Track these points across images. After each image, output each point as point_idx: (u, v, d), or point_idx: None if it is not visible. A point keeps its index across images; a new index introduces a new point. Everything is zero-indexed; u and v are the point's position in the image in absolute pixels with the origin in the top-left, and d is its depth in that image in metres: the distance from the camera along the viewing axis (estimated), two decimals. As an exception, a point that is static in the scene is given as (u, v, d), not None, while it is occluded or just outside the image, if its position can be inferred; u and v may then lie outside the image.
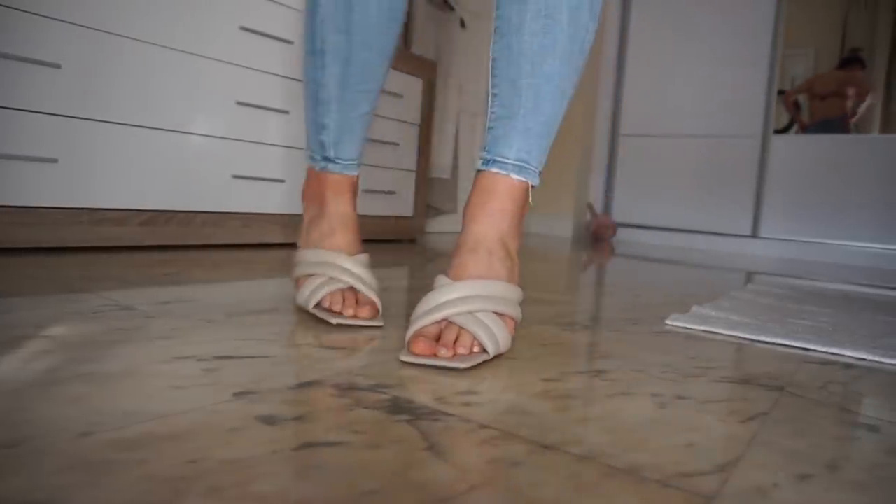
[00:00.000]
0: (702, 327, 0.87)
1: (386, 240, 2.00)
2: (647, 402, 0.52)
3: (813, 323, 0.97)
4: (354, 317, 0.73)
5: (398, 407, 0.46)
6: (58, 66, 1.11)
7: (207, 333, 0.63)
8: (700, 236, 3.15)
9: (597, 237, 3.27)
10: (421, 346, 0.60)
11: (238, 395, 0.46)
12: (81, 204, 1.18)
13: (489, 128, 0.71)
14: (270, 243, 1.58)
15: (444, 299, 0.62)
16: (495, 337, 0.61)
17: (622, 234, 3.37)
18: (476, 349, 0.61)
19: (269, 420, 0.41)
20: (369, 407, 0.45)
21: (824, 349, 0.78)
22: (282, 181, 1.56)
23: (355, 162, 0.83)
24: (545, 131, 0.71)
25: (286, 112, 1.55)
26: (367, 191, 1.87)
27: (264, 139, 1.51)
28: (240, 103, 1.44)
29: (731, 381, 0.61)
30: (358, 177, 0.85)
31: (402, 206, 2.03)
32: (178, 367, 0.51)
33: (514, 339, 0.67)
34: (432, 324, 0.62)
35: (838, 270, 2.33)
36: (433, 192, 2.43)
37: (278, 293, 0.90)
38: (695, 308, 1.01)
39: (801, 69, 3.14)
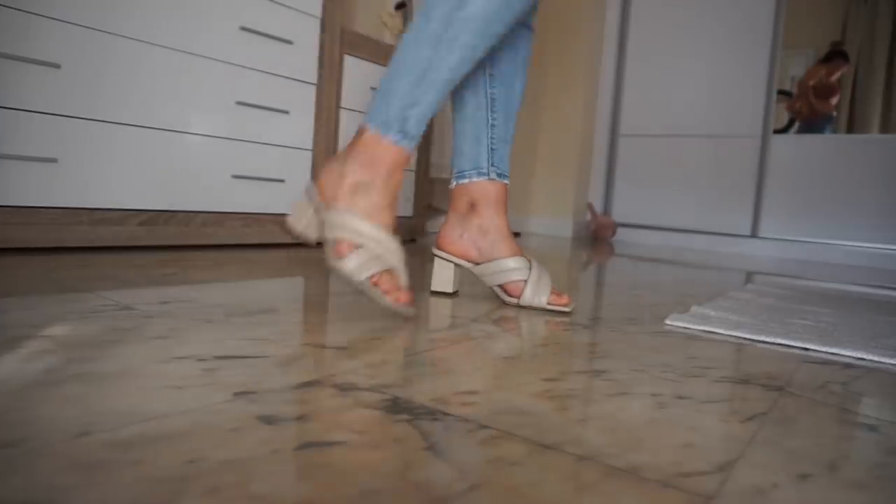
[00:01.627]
0: (701, 327, 0.87)
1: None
2: (646, 402, 0.52)
3: (813, 323, 0.97)
4: (397, 300, 0.76)
5: (398, 407, 0.46)
6: (58, 66, 1.11)
7: (207, 333, 0.63)
8: (700, 236, 3.15)
9: (597, 237, 3.27)
10: (566, 299, 0.93)
11: (238, 395, 0.46)
12: (81, 204, 1.18)
13: (493, 149, 0.97)
14: (270, 243, 1.58)
15: (541, 272, 0.94)
16: None
17: (622, 234, 3.37)
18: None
19: (269, 420, 0.41)
20: (369, 407, 0.45)
21: (824, 349, 0.78)
22: (282, 181, 1.56)
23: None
24: None
25: (286, 112, 1.55)
26: (366, 191, 1.86)
27: (264, 139, 1.51)
28: (240, 103, 1.44)
29: (730, 381, 0.61)
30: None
31: (402, 206, 2.03)
32: (177, 366, 0.51)
33: (515, 339, 0.70)
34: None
35: (838, 270, 2.33)
36: (433, 192, 2.43)
37: (278, 293, 0.90)
38: (694, 308, 1.01)
39: (801, 69, 3.14)
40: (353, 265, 0.74)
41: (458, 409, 0.47)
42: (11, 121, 1.07)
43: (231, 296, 0.85)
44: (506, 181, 0.98)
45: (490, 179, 0.97)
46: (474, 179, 0.97)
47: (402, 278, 0.78)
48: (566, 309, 0.91)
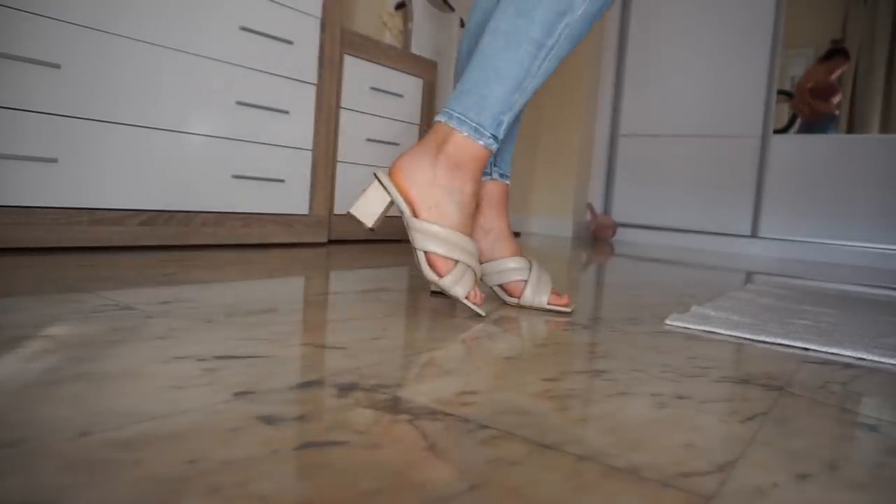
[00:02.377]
0: (701, 327, 0.87)
1: (386, 240, 2.00)
2: (646, 402, 0.52)
3: (813, 323, 0.97)
4: (477, 303, 0.82)
5: (398, 407, 0.46)
6: (58, 66, 1.11)
7: (207, 333, 0.63)
8: (700, 236, 3.15)
9: (597, 237, 3.27)
10: (567, 299, 0.92)
11: (238, 395, 0.46)
12: (81, 204, 1.18)
13: (500, 150, 0.96)
14: (270, 243, 1.58)
15: (541, 272, 0.93)
16: None
17: (622, 234, 3.37)
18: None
19: (269, 420, 0.41)
20: (369, 407, 0.45)
21: (824, 349, 0.78)
22: (282, 181, 1.56)
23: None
24: None
25: (286, 112, 1.55)
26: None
27: (264, 139, 1.51)
28: (240, 103, 1.44)
29: (730, 381, 0.61)
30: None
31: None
32: (177, 366, 0.51)
33: (515, 339, 0.69)
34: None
35: (838, 270, 2.33)
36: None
37: (278, 293, 0.90)
38: (694, 308, 1.01)
39: (800, 69, 3.14)
40: (451, 281, 0.79)
41: (458, 409, 0.47)
42: (11, 121, 1.07)
43: (231, 296, 0.85)
44: (507, 181, 0.98)
45: (493, 180, 0.97)
46: (494, 180, 0.97)
47: (479, 279, 0.84)
48: (566, 309, 0.91)
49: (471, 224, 0.83)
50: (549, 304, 0.91)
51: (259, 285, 0.96)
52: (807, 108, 3.10)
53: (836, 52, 3.07)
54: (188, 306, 0.75)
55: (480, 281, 0.93)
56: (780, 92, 3.08)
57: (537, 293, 0.91)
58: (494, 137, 0.81)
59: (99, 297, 0.76)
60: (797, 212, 2.96)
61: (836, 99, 3.06)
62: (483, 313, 0.83)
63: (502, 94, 0.80)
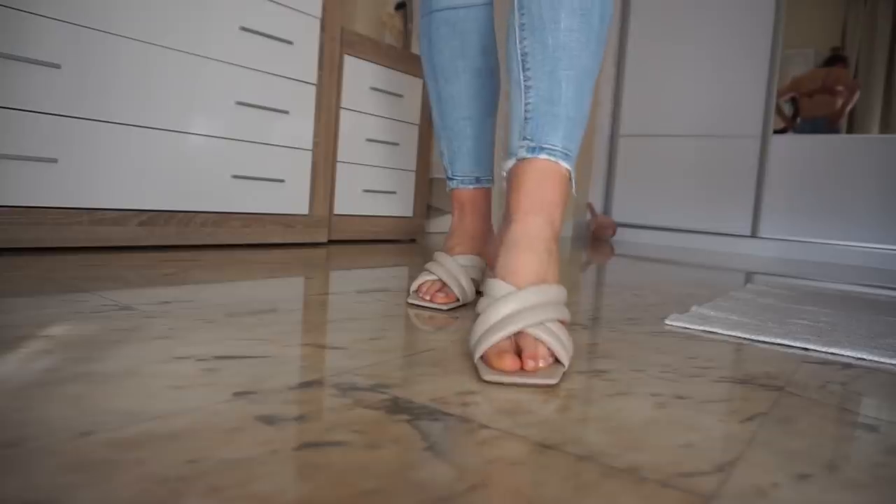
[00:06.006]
0: (701, 327, 0.87)
1: (386, 240, 2.00)
2: (646, 402, 0.52)
3: (812, 323, 0.97)
4: (430, 301, 0.86)
5: (398, 407, 0.46)
6: (58, 66, 1.11)
7: (207, 333, 0.63)
8: (700, 236, 3.15)
9: (597, 237, 3.27)
10: (508, 362, 0.54)
11: (238, 395, 0.46)
12: (81, 204, 1.18)
13: (527, 118, 0.69)
14: (270, 243, 1.58)
15: (513, 309, 0.58)
16: (568, 347, 0.58)
17: (622, 234, 3.36)
18: (552, 360, 0.57)
19: (269, 420, 0.41)
20: (369, 407, 0.45)
21: (824, 349, 0.78)
22: (282, 181, 1.56)
23: (470, 177, 0.96)
24: (583, 120, 0.71)
25: (286, 112, 1.55)
26: (367, 191, 1.87)
27: (264, 139, 1.51)
28: (240, 103, 1.44)
29: (730, 381, 0.61)
30: (481, 190, 0.96)
31: (402, 206, 2.03)
32: (177, 367, 0.51)
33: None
34: (507, 337, 0.57)
35: (838, 270, 2.33)
36: (433, 192, 2.43)
37: (278, 293, 0.90)
38: (694, 308, 1.01)
39: (800, 69, 3.14)
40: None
41: (458, 409, 0.47)
42: (11, 121, 1.07)
43: (231, 296, 0.85)
44: (555, 160, 0.70)
45: (523, 159, 0.74)
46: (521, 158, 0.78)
47: (448, 284, 0.89)
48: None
49: (455, 250, 0.93)
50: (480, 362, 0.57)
51: (259, 285, 0.96)
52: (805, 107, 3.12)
53: (836, 59, 3.08)
54: (188, 306, 0.75)
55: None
56: (791, 99, 3.10)
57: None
58: (448, 177, 1.01)
59: (99, 297, 0.76)
60: (797, 212, 2.96)
61: (836, 101, 3.07)
62: (411, 300, 0.90)
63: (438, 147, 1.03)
